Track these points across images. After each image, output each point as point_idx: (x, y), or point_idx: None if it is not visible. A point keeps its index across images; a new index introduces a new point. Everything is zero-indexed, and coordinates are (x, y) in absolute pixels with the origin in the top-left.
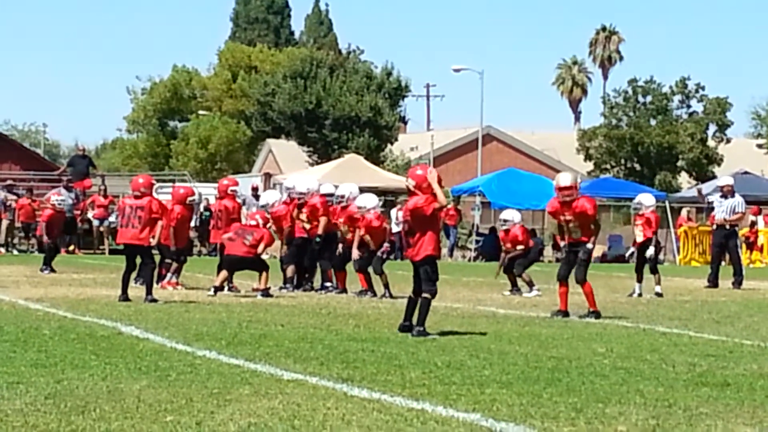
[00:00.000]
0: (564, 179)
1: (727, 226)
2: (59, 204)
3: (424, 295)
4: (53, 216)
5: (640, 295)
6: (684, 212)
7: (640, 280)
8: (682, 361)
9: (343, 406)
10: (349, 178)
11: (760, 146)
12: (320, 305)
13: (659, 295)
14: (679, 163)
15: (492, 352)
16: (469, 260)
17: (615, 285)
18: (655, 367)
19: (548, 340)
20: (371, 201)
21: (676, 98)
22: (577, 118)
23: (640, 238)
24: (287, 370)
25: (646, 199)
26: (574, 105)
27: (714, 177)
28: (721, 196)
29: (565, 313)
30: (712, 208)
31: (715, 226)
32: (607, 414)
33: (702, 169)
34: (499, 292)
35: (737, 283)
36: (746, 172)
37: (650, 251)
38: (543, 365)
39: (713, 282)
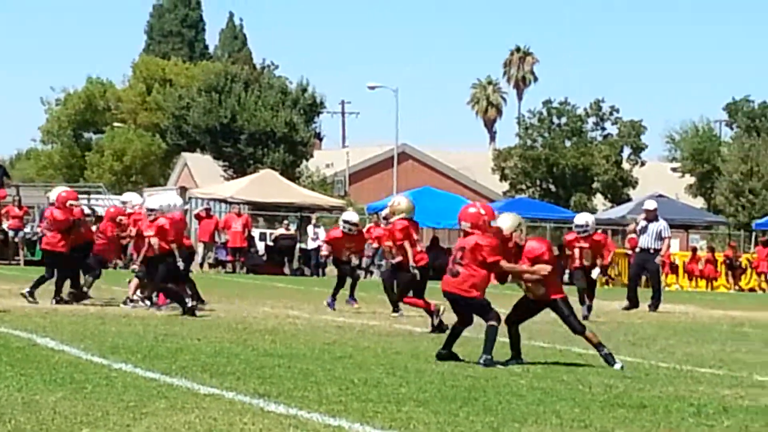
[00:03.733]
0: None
1: (651, 250)
2: None
3: (491, 323)
4: None
5: (585, 317)
6: None
7: (589, 299)
8: (599, 382)
9: (260, 422)
10: (264, 194)
11: (674, 170)
12: (236, 320)
13: (585, 318)
14: (594, 185)
15: (409, 370)
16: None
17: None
18: (572, 387)
19: (466, 358)
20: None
21: (591, 120)
22: (492, 138)
23: (588, 261)
24: (204, 385)
25: (591, 219)
26: (489, 125)
27: (629, 199)
28: (645, 219)
29: None
30: (632, 231)
31: (638, 249)
32: None
33: (617, 192)
34: (415, 310)
35: (654, 306)
36: (661, 196)
37: (596, 272)
38: (460, 384)
39: (634, 302)
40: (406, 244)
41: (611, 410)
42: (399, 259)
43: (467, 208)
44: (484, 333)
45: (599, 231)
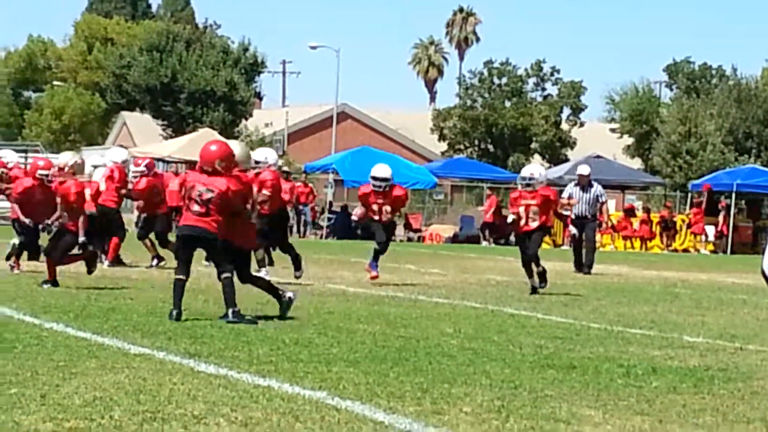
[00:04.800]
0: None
1: (588, 217)
2: None
3: (225, 275)
4: None
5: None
6: None
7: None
8: (529, 342)
9: (190, 382)
10: None
11: (613, 130)
12: (169, 280)
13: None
14: (533, 146)
15: (340, 330)
16: (321, 237)
17: (466, 265)
18: (502, 348)
19: (396, 319)
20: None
21: (531, 81)
22: (433, 99)
23: (535, 223)
24: (134, 344)
25: (538, 170)
26: (430, 85)
27: (567, 160)
28: (576, 185)
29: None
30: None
31: (574, 216)
32: (453, 394)
33: (555, 152)
34: (350, 270)
35: (588, 267)
36: (598, 156)
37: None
38: (390, 345)
39: (580, 267)
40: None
41: (541, 371)
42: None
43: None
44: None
45: (547, 185)
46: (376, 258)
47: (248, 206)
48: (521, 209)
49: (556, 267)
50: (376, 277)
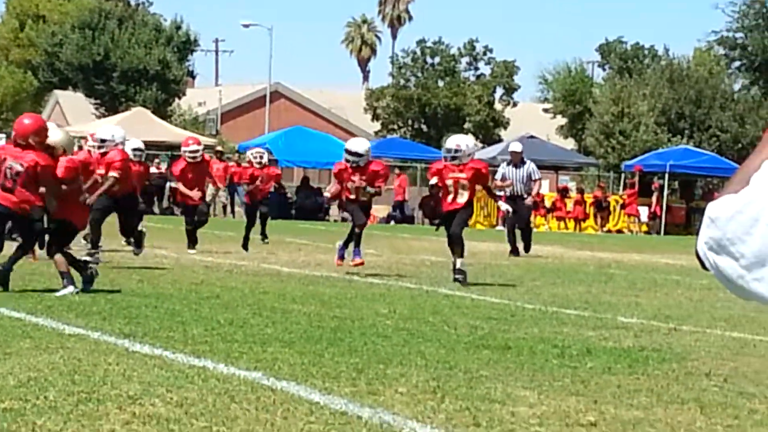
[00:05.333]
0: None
1: (523, 196)
2: None
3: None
4: None
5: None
6: None
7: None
8: (464, 323)
9: (125, 362)
10: (135, 132)
11: (546, 111)
12: (104, 259)
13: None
14: (466, 125)
15: (275, 310)
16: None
17: (400, 246)
18: (437, 329)
19: (331, 299)
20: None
21: (464, 60)
22: (366, 78)
23: (463, 198)
24: (69, 325)
25: (465, 141)
26: (363, 64)
27: (500, 140)
28: (509, 164)
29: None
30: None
31: (508, 192)
32: (388, 375)
33: (488, 132)
34: (284, 250)
35: (526, 249)
36: (532, 137)
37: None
38: (325, 325)
39: (516, 251)
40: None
41: (476, 351)
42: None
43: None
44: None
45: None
46: (357, 243)
47: (84, 186)
48: (449, 182)
49: (491, 248)
50: (362, 263)
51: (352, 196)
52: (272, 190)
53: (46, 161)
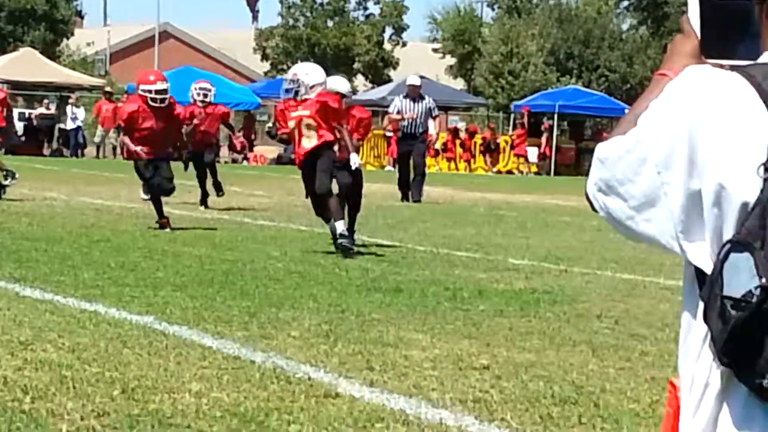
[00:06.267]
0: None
1: (418, 134)
2: None
3: None
4: None
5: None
6: None
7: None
8: (356, 266)
9: (15, 307)
10: (24, 73)
11: (435, 51)
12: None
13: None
14: (356, 66)
15: (166, 253)
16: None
17: (291, 188)
18: (329, 272)
19: (222, 242)
20: None
21: (353, 0)
22: (255, 18)
23: (312, 142)
24: None
25: (310, 69)
26: (252, 4)
27: (390, 80)
28: (405, 97)
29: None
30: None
31: (401, 134)
32: (281, 319)
33: (378, 72)
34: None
35: (417, 196)
36: (422, 77)
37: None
38: (217, 268)
39: (407, 196)
40: None
41: (368, 294)
42: None
43: None
44: None
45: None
46: (351, 223)
47: None
48: (291, 123)
49: (382, 189)
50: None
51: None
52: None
53: None
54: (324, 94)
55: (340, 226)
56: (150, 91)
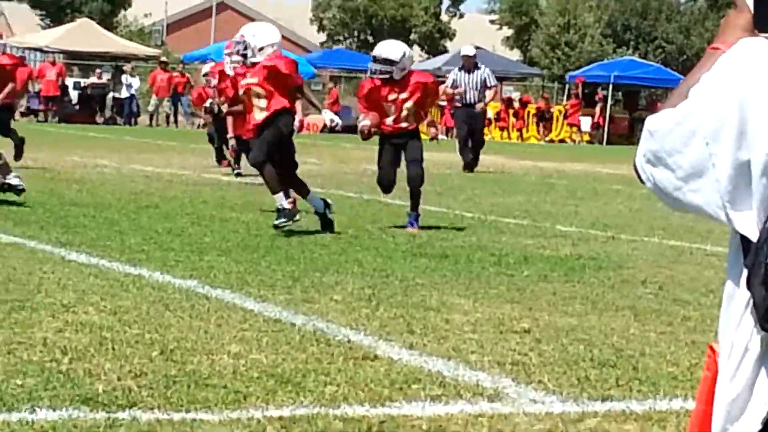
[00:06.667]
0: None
1: (476, 104)
2: None
3: None
4: None
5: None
6: None
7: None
8: (403, 232)
9: (60, 271)
10: (80, 43)
11: (492, 22)
12: (45, 170)
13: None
14: (412, 37)
15: (213, 219)
16: (198, 127)
17: (342, 155)
18: (375, 237)
19: (270, 208)
20: None
21: None
22: None
23: (262, 114)
24: (6, 234)
25: (259, 29)
26: None
27: (446, 51)
28: (461, 69)
29: None
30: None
31: (459, 105)
32: (324, 283)
33: (434, 43)
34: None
35: (473, 166)
36: (478, 48)
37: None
38: (263, 233)
39: (468, 162)
40: None
41: (413, 260)
42: None
43: None
44: None
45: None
46: (415, 206)
47: None
48: (240, 92)
49: (433, 157)
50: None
51: (390, 126)
52: None
53: None
54: (273, 57)
55: (279, 199)
56: None
